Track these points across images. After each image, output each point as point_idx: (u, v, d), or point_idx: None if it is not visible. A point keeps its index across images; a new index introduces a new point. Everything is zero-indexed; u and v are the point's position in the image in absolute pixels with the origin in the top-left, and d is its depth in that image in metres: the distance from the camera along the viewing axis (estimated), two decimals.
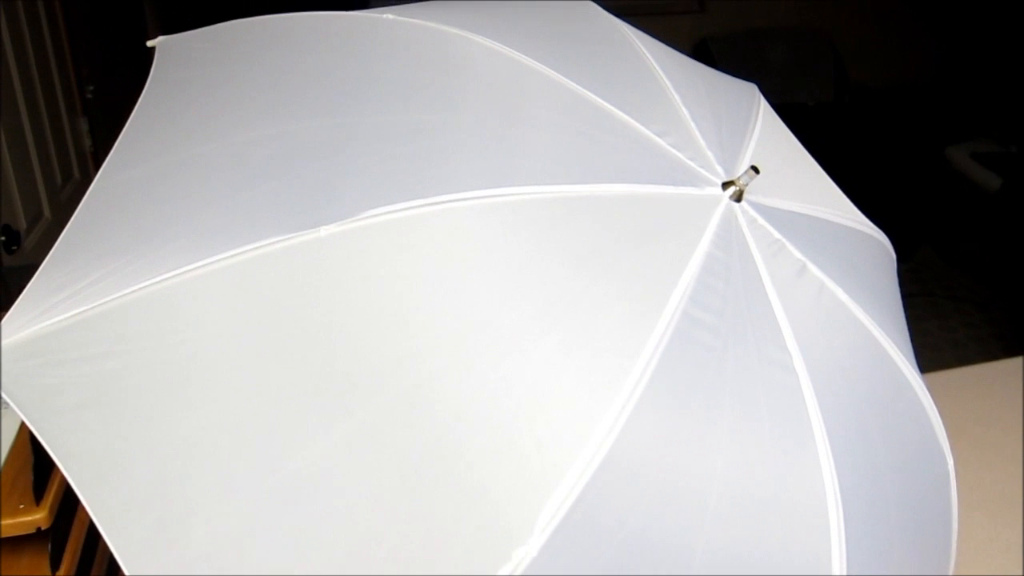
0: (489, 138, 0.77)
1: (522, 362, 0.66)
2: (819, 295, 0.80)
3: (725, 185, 0.79)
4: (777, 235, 0.80)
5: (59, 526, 1.15)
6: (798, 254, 0.80)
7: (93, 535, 1.26)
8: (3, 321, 0.71)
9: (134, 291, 0.69)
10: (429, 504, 0.63)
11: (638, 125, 0.81)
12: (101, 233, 0.77)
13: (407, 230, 0.69)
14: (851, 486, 0.73)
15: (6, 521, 1.07)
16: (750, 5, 4.39)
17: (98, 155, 2.55)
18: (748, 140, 0.89)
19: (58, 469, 0.67)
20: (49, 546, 1.14)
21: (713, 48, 4.30)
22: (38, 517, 1.09)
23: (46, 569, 1.13)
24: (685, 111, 0.86)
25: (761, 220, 0.80)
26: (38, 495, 1.11)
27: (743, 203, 0.79)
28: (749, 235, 0.78)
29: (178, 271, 0.68)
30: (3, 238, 1.77)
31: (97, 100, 2.57)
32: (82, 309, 0.69)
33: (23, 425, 1.19)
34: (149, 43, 0.97)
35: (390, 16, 0.89)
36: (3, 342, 0.70)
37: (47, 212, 2.14)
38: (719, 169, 0.81)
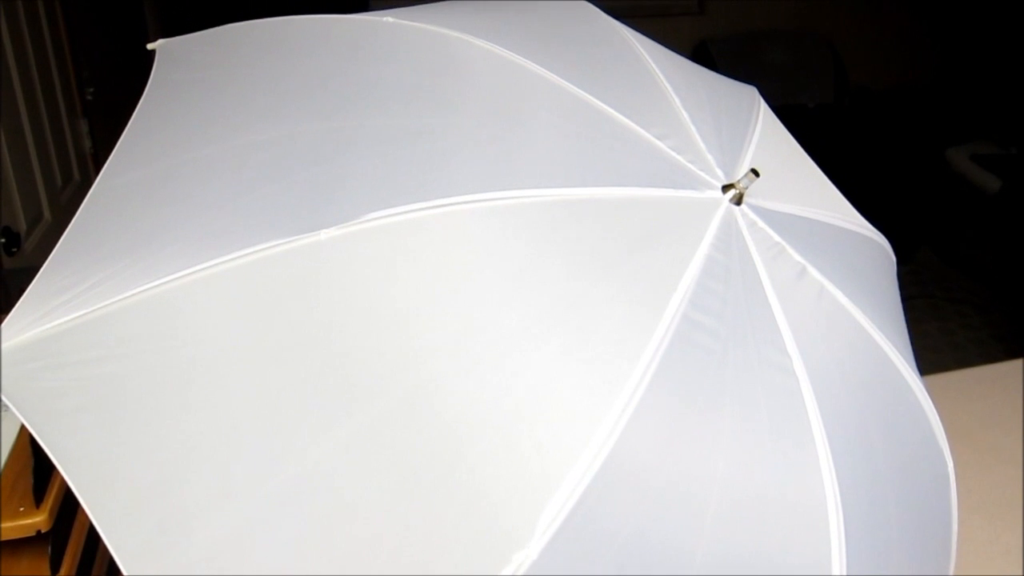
0: (489, 141, 0.77)
1: (522, 365, 0.66)
2: (819, 298, 0.80)
3: (725, 188, 0.79)
4: (777, 238, 0.80)
5: (59, 529, 1.15)
6: (798, 257, 0.80)
7: (93, 538, 1.26)
8: (3, 324, 0.72)
9: (134, 294, 0.69)
10: (429, 506, 0.63)
11: (638, 128, 0.81)
12: (101, 236, 0.77)
13: (407, 233, 0.69)
14: (851, 488, 0.73)
15: (6, 524, 1.07)
16: (750, 7, 4.40)
17: (98, 157, 2.55)
18: (748, 143, 0.89)
19: (58, 472, 0.67)
20: (49, 549, 1.14)
21: (713, 50, 4.31)
22: (38, 520, 1.09)
23: (46, 571, 1.13)
24: (685, 114, 0.87)
25: (761, 223, 0.80)
26: (38, 498, 1.11)
27: (743, 206, 0.79)
28: (749, 238, 0.78)
29: (178, 274, 0.68)
30: (3, 240, 1.77)
31: (97, 102, 2.58)
32: (82, 312, 0.69)
33: (23, 428, 1.19)
34: (149, 46, 0.97)
35: (390, 19, 0.89)
36: (3, 345, 0.70)
37: (47, 214, 2.14)
38: (719, 172, 0.81)
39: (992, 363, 2.63)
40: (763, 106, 1.01)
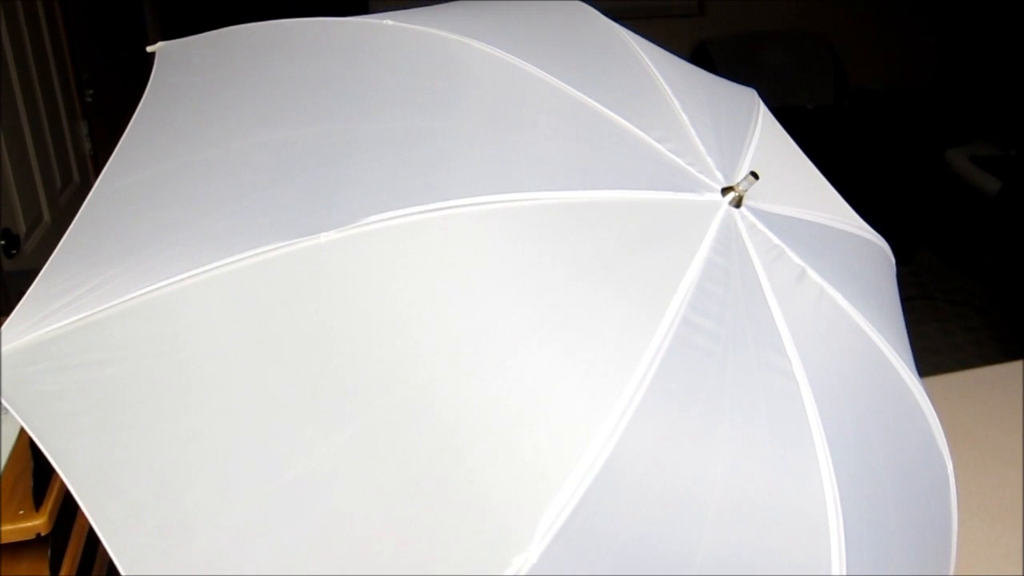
0: (489, 144, 0.77)
1: (522, 368, 0.66)
2: (819, 301, 0.80)
3: (724, 191, 0.79)
4: (776, 241, 0.80)
5: (59, 532, 1.15)
6: (797, 260, 0.80)
7: (93, 541, 1.26)
8: (3, 327, 0.71)
9: (134, 297, 0.69)
10: (429, 510, 0.63)
11: (638, 131, 0.81)
12: (101, 239, 0.77)
13: (407, 236, 0.69)
14: (851, 491, 0.73)
15: (6, 527, 1.07)
16: (749, 8, 4.40)
17: (98, 158, 2.55)
18: (747, 145, 0.89)
19: (58, 475, 0.67)
20: (49, 552, 1.14)
21: (712, 51, 4.31)
22: (38, 523, 1.09)
23: (46, 574, 1.13)
24: (684, 117, 0.87)
25: (760, 226, 0.80)
26: (38, 501, 1.11)
27: (742, 209, 0.79)
28: (748, 241, 0.78)
29: (178, 277, 0.68)
30: (3, 242, 1.77)
31: (97, 104, 2.58)
32: (82, 315, 0.69)
33: (23, 431, 1.19)
34: (149, 48, 0.97)
35: (390, 22, 0.89)
36: (3, 348, 0.70)
37: (47, 216, 2.14)
38: (718, 175, 0.81)
39: (992, 364, 2.63)
40: (762, 108, 1.01)
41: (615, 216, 0.74)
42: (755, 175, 0.79)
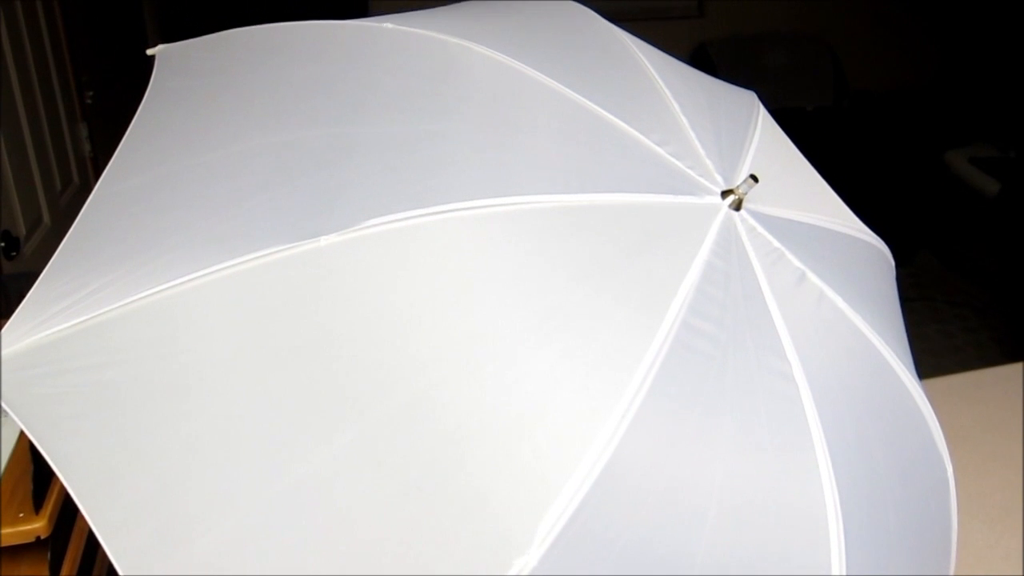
0: (489, 147, 0.77)
1: (522, 371, 0.66)
2: (818, 304, 0.80)
3: (724, 194, 0.79)
4: (776, 244, 0.80)
5: (58, 535, 1.15)
6: (797, 263, 0.80)
7: (92, 544, 1.26)
8: (3, 330, 0.71)
9: (134, 301, 0.69)
10: (429, 513, 0.63)
11: (637, 134, 0.81)
12: (101, 243, 0.77)
13: (407, 240, 0.69)
14: (850, 494, 0.73)
15: (6, 530, 1.07)
16: (749, 10, 4.41)
17: (98, 160, 2.55)
18: (747, 148, 0.89)
19: (57, 478, 0.67)
20: (48, 555, 1.14)
21: (712, 53, 4.31)
22: (37, 526, 1.08)
23: None
24: (684, 120, 0.87)
25: (760, 229, 0.80)
26: (37, 504, 1.10)
27: (742, 212, 0.79)
28: (748, 244, 0.78)
29: (178, 281, 0.68)
30: (2, 244, 1.77)
31: (97, 105, 2.58)
32: (82, 319, 0.69)
33: (23, 434, 1.19)
34: (149, 51, 0.97)
35: (389, 25, 0.89)
36: (3, 351, 0.70)
37: (46, 218, 2.14)
38: (718, 178, 0.81)
39: (991, 366, 2.63)
40: (762, 111, 1.01)
41: (615, 219, 0.74)
42: (755, 178, 0.79)
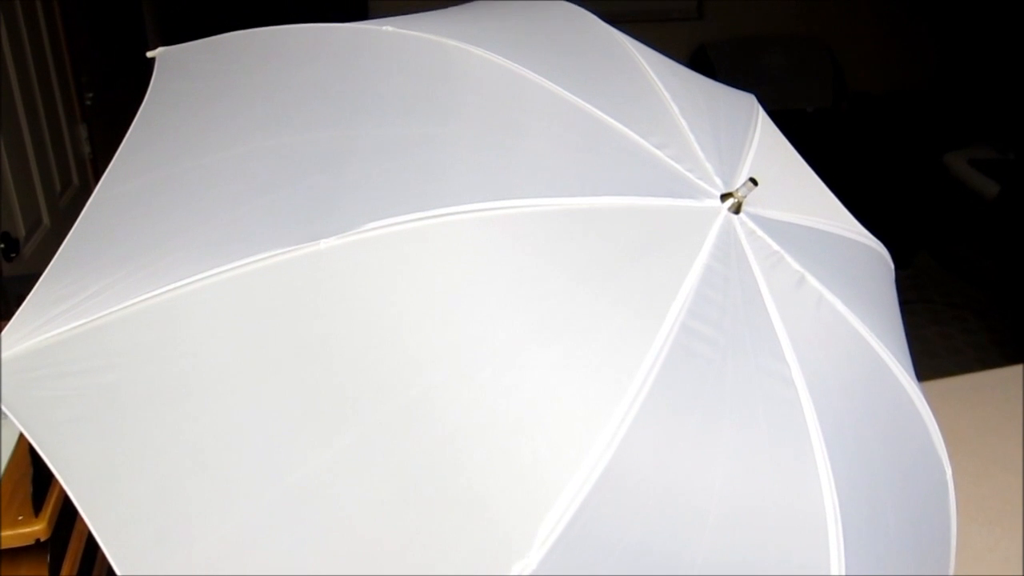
0: (488, 150, 0.77)
1: (521, 375, 0.66)
2: (818, 307, 0.80)
3: (724, 197, 0.79)
4: (776, 247, 0.80)
5: (58, 537, 1.15)
6: (796, 266, 0.80)
7: (92, 547, 1.26)
8: (3, 333, 0.71)
9: (134, 304, 0.69)
10: (428, 517, 0.63)
11: (637, 137, 0.81)
12: (101, 245, 0.77)
13: (407, 243, 0.69)
14: (849, 498, 0.73)
15: (5, 532, 1.07)
16: (748, 12, 4.41)
17: (97, 162, 2.55)
18: (747, 151, 0.89)
19: (57, 481, 0.67)
20: (48, 557, 1.14)
21: (711, 55, 4.32)
22: (37, 528, 1.08)
23: None
24: (684, 123, 0.87)
25: (760, 232, 0.80)
26: (37, 506, 1.11)
27: (742, 215, 0.79)
28: (748, 247, 0.78)
29: (178, 284, 0.68)
30: (2, 245, 1.77)
31: (96, 107, 2.58)
32: (82, 322, 0.69)
33: (22, 436, 1.19)
34: (149, 54, 0.97)
35: (389, 28, 0.89)
36: (3, 354, 0.70)
37: (46, 219, 2.14)
38: (718, 181, 0.81)
39: (991, 368, 2.63)
40: (761, 114, 1.01)
41: (614, 222, 0.74)
42: (754, 181, 0.79)
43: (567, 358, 0.67)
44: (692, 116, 0.88)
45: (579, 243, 0.72)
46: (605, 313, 0.69)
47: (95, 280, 0.72)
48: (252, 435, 0.66)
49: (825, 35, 4.46)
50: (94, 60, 2.65)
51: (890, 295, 0.96)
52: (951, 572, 0.88)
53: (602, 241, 0.73)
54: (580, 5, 1.04)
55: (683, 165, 0.81)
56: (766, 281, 0.77)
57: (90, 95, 2.54)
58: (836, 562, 0.70)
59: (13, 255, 1.81)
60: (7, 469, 1.16)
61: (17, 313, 0.73)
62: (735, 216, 0.79)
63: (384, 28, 0.89)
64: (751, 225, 0.80)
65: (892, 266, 1.01)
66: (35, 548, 1.10)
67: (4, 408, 0.69)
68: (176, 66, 0.95)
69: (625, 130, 0.82)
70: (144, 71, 0.96)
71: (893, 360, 0.84)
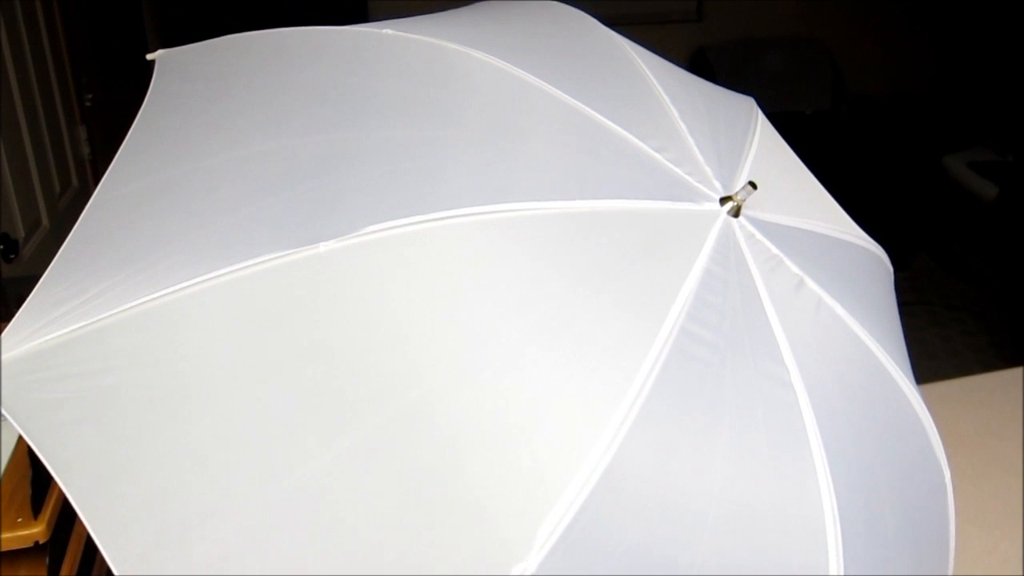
0: (488, 154, 0.77)
1: (521, 378, 0.66)
2: (817, 310, 0.80)
3: (723, 200, 0.79)
4: (775, 250, 0.80)
5: (57, 540, 1.15)
6: (796, 269, 0.80)
7: (91, 549, 1.26)
8: (2, 335, 0.71)
9: (133, 306, 0.69)
10: (428, 520, 0.63)
11: (636, 140, 0.81)
12: (100, 247, 0.77)
13: (406, 246, 0.69)
14: (848, 500, 0.73)
15: (4, 535, 1.07)
16: (747, 14, 4.41)
17: (96, 163, 2.55)
18: (746, 155, 0.89)
19: (56, 483, 0.67)
20: (47, 560, 1.14)
21: (711, 57, 4.32)
22: (36, 531, 1.09)
23: None
24: (683, 126, 0.87)
25: (759, 235, 0.80)
26: (36, 509, 1.11)
27: (741, 218, 0.79)
28: (747, 250, 0.78)
29: (177, 287, 0.68)
30: (1, 247, 1.77)
31: (96, 108, 2.58)
32: (81, 324, 0.69)
33: (21, 439, 1.19)
34: (149, 56, 0.98)
35: (389, 31, 0.89)
36: (2, 356, 0.70)
37: (45, 220, 2.14)
38: (717, 184, 0.81)
39: (990, 370, 2.63)
40: (761, 117, 1.01)
41: (614, 226, 0.74)
42: (753, 185, 0.79)
43: (566, 361, 0.67)
44: (691, 119, 0.88)
45: (578, 246, 0.72)
46: (604, 316, 0.69)
47: (95, 283, 0.72)
48: (251, 438, 0.66)
49: (825, 37, 4.46)
50: (94, 61, 2.65)
51: (889, 299, 0.96)
52: (950, 572, 0.88)
53: (601, 244, 0.73)
54: (579, 7, 1.04)
55: (682, 168, 0.81)
56: (765, 284, 0.77)
57: (90, 96, 2.54)
58: (835, 564, 0.70)
59: (12, 256, 1.81)
60: (6, 471, 1.16)
61: (17, 315, 0.73)
62: (734, 220, 0.79)
63: (384, 31, 0.89)
64: (750, 229, 0.80)
65: (891, 270, 1.02)
66: (34, 550, 1.10)
67: (3, 410, 0.69)
68: (176, 68, 0.95)
69: (624, 133, 0.82)
70: (144, 72, 0.96)
71: (892, 364, 0.84)
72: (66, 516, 1.17)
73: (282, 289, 0.68)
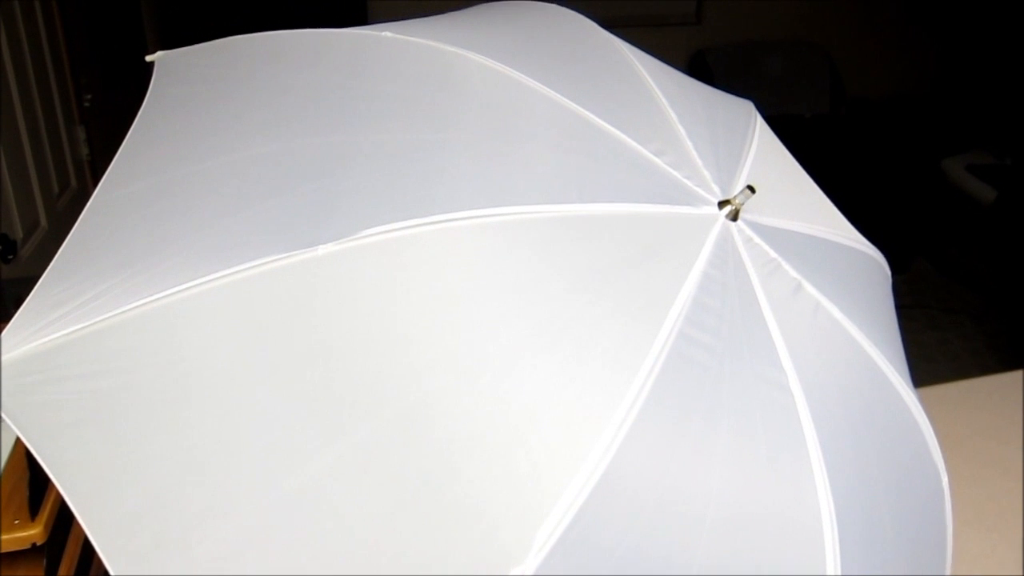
0: (487, 157, 0.77)
1: (519, 381, 0.66)
2: (814, 314, 0.80)
3: (721, 204, 0.79)
4: (773, 254, 0.80)
5: (54, 542, 1.15)
6: (794, 273, 0.80)
7: (88, 551, 1.26)
8: (1, 336, 0.71)
9: (132, 308, 0.69)
10: (426, 523, 0.63)
11: (635, 144, 0.81)
12: (99, 249, 0.77)
13: (405, 249, 0.69)
14: (846, 503, 0.73)
15: (2, 537, 1.07)
16: (746, 17, 4.41)
17: (95, 164, 2.55)
18: (744, 158, 0.89)
19: (54, 485, 0.67)
20: (44, 562, 1.13)
21: (710, 60, 4.32)
22: (33, 533, 1.08)
23: None
24: (682, 129, 0.87)
25: (757, 239, 0.80)
26: (34, 511, 1.10)
27: (739, 222, 0.79)
28: (745, 254, 0.78)
29: (176, 289, 0.68)
30: (0, 247, 1.77)
31: (95, 108, 2.58)
32: (80, 326, 0.69)
33: (19, 440, 1.19)
34: (148, 58, 0.98)
35: (388, 34, 0.89)
36: (1, 358, 0.70)
37: (44, 221, 2.14)
38: (715, 188, 0.82)
39: (988, 374, 2.63)
40: (759, 121, 1.01)
41: (612, 229, 0.74)
42: (752, 188, 0.79)
43: (565, 364, 0.67)
44: (690, 123, 0.89)
45: (576, 250, 0.72)
46: (603, 320, 0.69)
47: (93, 284, 0.72)
48: (249, 440, 0.66)
49: (823, 40, 4.46)
50: (93, 62, 2.65)
51: (887, 302, 0.96)
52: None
53: (599, 248, 0.73)
54: (577, 10, 1.05)
55: (681, 172, 0.81)
56: (763, 288, 0.77)
57: (88, 97, 2.54)
58: (832, 566, 0.70)
59: (11, 257, 1.81)
60: (4, 473, 1.16)
61: (15, 317, 0.73)
62: (733, 223, 0.79)
63: (383, 34, 0.89)
64: (748, 232, 0.80)
65: (889, 273, 1.02)
66: (31, 552, 1.10)
67: (1, 412, 0.68)
68: (175, 70, 0.95)
69: (623, 136, 0.82)
70: (143, 73, 0.96)
71: (890, 367, 0.84)
72: (63, 518, 1.17)
73: (280, 292, 0.68)
